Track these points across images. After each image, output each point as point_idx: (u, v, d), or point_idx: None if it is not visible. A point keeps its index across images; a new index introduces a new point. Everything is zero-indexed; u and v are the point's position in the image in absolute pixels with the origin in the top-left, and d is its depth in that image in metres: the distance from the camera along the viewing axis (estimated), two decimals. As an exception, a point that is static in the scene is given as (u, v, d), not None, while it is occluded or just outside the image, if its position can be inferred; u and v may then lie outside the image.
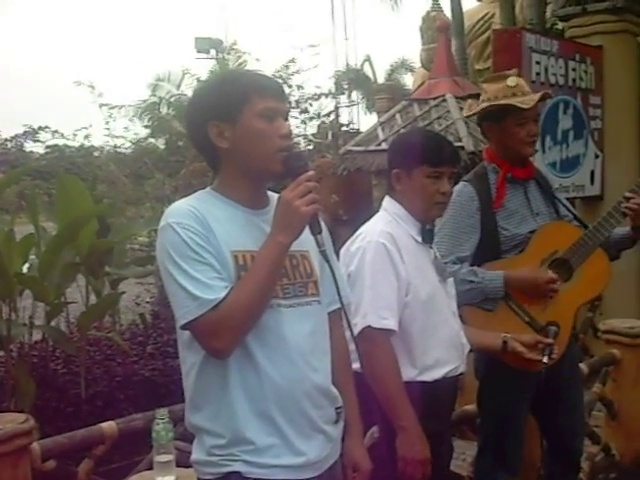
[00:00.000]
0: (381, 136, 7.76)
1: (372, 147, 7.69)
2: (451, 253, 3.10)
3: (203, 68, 14.07)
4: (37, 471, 3.34)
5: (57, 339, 5.49)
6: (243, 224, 2.05)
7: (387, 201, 2.83)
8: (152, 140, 16.72)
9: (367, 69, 26.28)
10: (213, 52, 17.01)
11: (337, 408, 2.16)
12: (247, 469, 1.97)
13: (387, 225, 2.70)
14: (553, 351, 2.93)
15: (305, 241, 2.08)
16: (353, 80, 25.21)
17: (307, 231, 2.06)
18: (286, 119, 2.11)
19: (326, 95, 10.73)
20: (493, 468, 3.27)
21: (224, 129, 2.03)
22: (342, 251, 2.73)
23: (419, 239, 2.75)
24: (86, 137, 10.69)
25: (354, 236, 2.74)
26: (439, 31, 8.32)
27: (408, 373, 2.62)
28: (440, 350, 2.68)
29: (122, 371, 5.68)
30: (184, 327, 1.94)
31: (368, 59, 25.78)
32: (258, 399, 1.97)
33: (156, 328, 6.62)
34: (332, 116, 11.87)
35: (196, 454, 2.05)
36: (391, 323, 2.57)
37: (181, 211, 2.00)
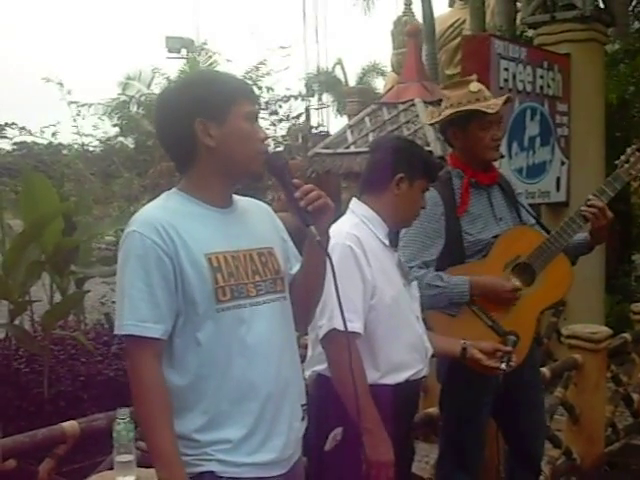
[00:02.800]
0: (350, 139, 7.79)
1: (341, 150, 7.71)
2: (417, 257, 3.12)
3: (173, 68, 13.90)
4: (-4, 470, 3.32)
5: (20, 338, 5.44)
6: (214, 225, 2.09)
7: (354, 203, 2.84)
8: (121, 139, 16.63)
9: (339, 72, 26.41)
10: (184, 52, 16.98)
11: (302, 405, 2.21)
12: (221, 468, 2.01)
13: (354, 227, 2.72)
14: (511, 359, 2.95)
15: (270, 237, 2.19)
16: (324, 83, 25.32)
17: (270, 227, 2.23)
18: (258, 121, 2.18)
19: (296, 97, 10.74)
20: (453, 471, 3.30)
21: (210, 127, 2.06)
22: None
23: (386, 242, 2.76)
24: (54, 135, 10.60)
25: None
26: (409, 36, 8.37)
27: (371, 376, 2.63)
28: (403, 353, 2.70)
29: (86, 371, 5.64)
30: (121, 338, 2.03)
31: (340, 62, 25.93)
32: (233, 397, 2.02)
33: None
34: (302, 118, 11.88)
35: None
36: (357, 326, 2.58)
37: (148, 222, 2.03)
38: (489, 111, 3.16)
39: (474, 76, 3.32)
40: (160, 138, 2.20)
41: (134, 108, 16.14)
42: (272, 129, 11.08)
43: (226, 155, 2.09)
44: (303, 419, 2.21)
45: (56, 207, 5.28)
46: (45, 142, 11.70)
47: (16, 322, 5.61)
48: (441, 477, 3.43)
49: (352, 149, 7.27)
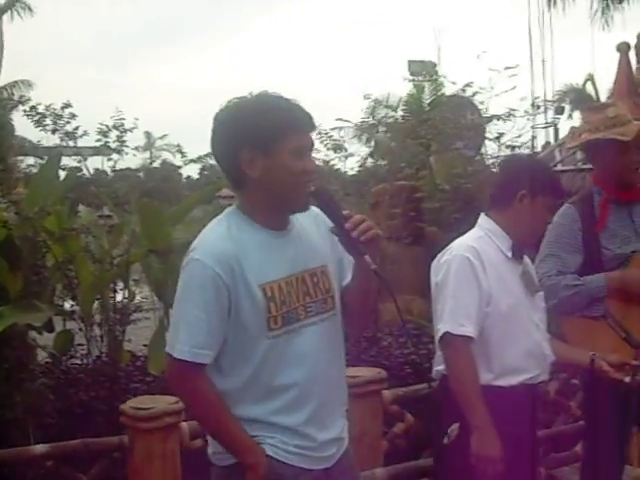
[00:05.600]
0: (557, 157, 7.79)
1: (569, 168, 7.70)
2: (555, 269, 3.27)
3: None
4: (185, 448, 3.85)
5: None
6: (271, 252, 2.22)
7: (482, 218, 3.07)
8: (371, 161, 17.05)
9: (590, 88, 25.63)
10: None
11: (346, 410, 2.44)
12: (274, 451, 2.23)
13: (475, 240, 2.95)
14: (638, 372, 3.02)
15: (324, 253, 2.34)
16: (574, 100, 24.69)
17: (325, 238, 2.33)
18: (311, 152, 2.29)
19: (521, 116, 10.67)
20: None
21: (256, 158, 2.17)
22: (434, 263, 3.01)
23: (509, 254, 2.96)
24: None
25: (445, 249, 3.01)
26: (619, 51, 8.19)
27: (485, 377, 2.85)
28: (518, 358, 2.89)
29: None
30: (170, 356, 2.19)
31: (591, 78, 25.14)
32: (278, 406, 2.23)
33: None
34: (524, 138, 11.66)
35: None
36: (469, 330, 2.81)
37: (212, 252, 2.17)
38: (623, 139, 3.24)
39: (612, 101, 3.40)
40: (214, 154, 2.31)
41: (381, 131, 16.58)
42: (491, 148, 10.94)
43: (268, 187, 2.19)
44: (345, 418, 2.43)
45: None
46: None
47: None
48: None
49: (559, 167, 7.29)
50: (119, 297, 5.96)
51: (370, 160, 15.66)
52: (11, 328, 4.98)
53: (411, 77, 17.79)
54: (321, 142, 8.62)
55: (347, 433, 2.44)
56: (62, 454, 3.94)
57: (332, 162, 8.53)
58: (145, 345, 5.65)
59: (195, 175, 37.95)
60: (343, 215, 2.22)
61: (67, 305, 5.95)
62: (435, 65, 17.73)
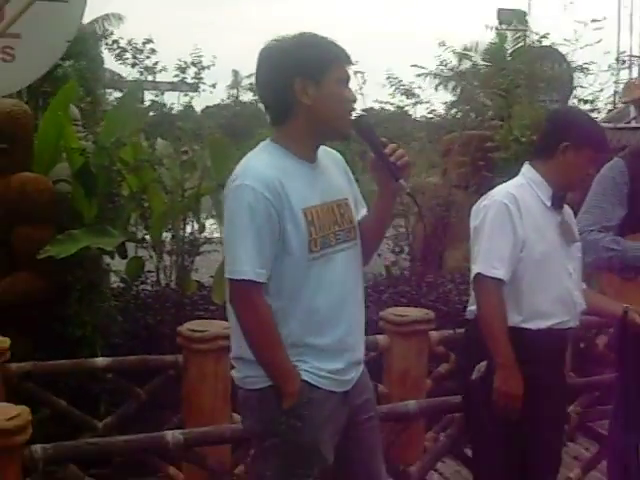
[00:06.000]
0: (632, 114, 7.67)
1: (621, 124, 7.62)
2: (597, 222, 3.32)
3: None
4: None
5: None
6: (308, 180, 2.40)
7: (525, 166, 3.15)
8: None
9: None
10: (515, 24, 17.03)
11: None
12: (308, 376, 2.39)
13: (515, 188, 3.04)
14: None
15: (345, 188, 2.52)
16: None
17: (345, 179, 2.54)
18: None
19: (605, 70, 10.41)
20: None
21: (308, 87, 2.34)
22: (474, 207, 3.11)
23: (548, 203, 3.04)
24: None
25: (486, 195, 3.10)
26: None
27: (514, 319, 2.96)
28: (547, 304, 2.98)
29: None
30: (233, 280, 2.33)
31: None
32: (314, 326, 2.39)
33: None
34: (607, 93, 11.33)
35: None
36: (500, 273, 2.92)
37: (260, 178, 2.31)
38: None
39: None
40: (260, 92, 2.48)
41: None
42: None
43: (320, 113, 2.36)
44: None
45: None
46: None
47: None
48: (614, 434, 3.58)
49: (632, 124, 7.19)
50: (189, 229, 6.19)
51: (454, 109, 15.44)
52: (84, 251, 5.28)
53: (500, 25, 17.54)
54: (392, 86, 8.60)
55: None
56: (121, 368, 4.22)
57: (405, 107, 8.51)
58: (212, 276, 5.88)
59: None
60: (381, 142, 2.42)
61: (140, 234, 6.22)
62: (525, 14, 17.42)
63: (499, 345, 2.91)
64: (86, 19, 20.05)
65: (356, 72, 9.89)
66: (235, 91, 42.23)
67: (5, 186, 5.10)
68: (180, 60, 7.11)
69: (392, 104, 8.60)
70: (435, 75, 10.62)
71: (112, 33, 16.53)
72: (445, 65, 12.45)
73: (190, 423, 3.84)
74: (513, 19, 17.45)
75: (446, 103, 10.94)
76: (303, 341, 2.39)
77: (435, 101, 10.02)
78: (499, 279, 2.92)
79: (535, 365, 2.95)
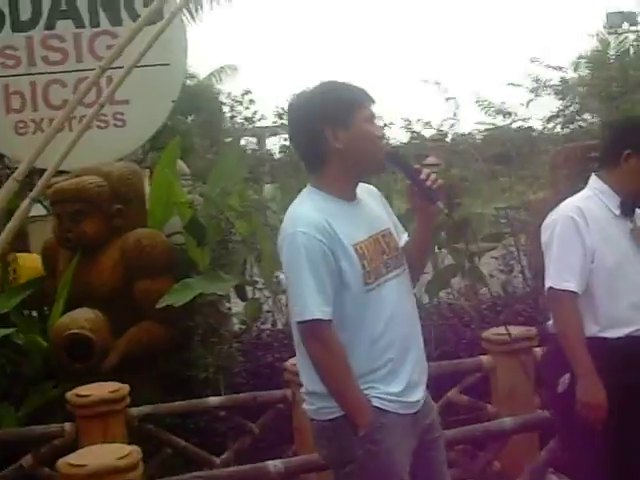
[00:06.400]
0: None
1: None
2: None
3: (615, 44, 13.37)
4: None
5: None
6: (352, 218, 2.55)
7: (592, 178, 3.21)
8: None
9: None
10: (626, 26, 16.64)
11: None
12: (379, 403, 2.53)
13: (581, 200, 3.11)
14: None
15: (385, 219, 2.68)
16: None
17: (383, 209, 2.70)
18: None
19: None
20: None
21: (338, 132, 2.50)
22: (544, 222, 3.18)
23: (617, 212, 3.08)
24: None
25: (554, 210, 3.17)
26: None
27: (591, 329, 3.01)
28: (623, 311, 3.02)
29: (470, 334, 6.33)
30: (302, 322, 2.46)
31: None
32: (376, 354, 2.54)
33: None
34: None
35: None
36: (572, 285, 2.98)
37: (310, 222, 2.46)
38: None
39: None
40: (294, 141, 2.66)
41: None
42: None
43: (354, 154, 2.52)
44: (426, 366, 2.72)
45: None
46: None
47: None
48: None
49: None
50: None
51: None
52: (203, 298, 5.60)
53: (610, 29, 17.13)
54: (483, 108, 8.69)
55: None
56: (233, 405, 4.46)
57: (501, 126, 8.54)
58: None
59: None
60: (415, 169, 2.59)
61: (255, 277, 6.51)
62: (637, 15, 16.99)
63: (577, 356, 2.97)
64: (203, 73, 21.02)
65: (448, 99, 10.01)
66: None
67: (123, 244, 5.48)
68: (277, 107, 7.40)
69: (492, 124, 8.62)
70: (532, 90, 10.50)
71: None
72: (539, 81, 12.19)
73: (301, 453, 4.01)
74: (622, 21, 17.09)
75: (543, 118, 10.77)
76: (370, 369, 2.53)
77: (534, 117, 9.97)
78: (572, 291, 2.98)
79: (618, 373, 2.98)
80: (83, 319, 5.18)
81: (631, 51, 11.50)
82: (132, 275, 5.47)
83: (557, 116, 9.91)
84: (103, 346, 5.22)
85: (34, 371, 5.39)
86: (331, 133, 2.51)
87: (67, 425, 4.14)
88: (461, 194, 6.87)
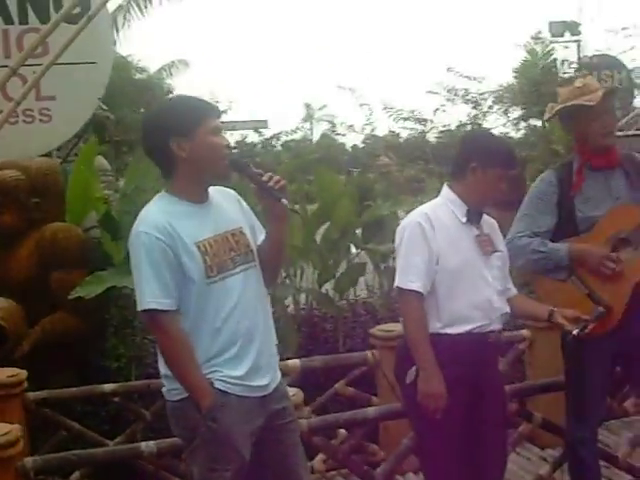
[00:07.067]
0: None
1: (631, 132, 7.74)
2: (527, 229, 3.64)
3: (560, 53, 13.77)
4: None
5: (321, 301, 6.65)
6: (198, 219, 2.77)
7: (444, 189, 3.47)
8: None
9: None
10: (567, 36, 17.11)
11: (276, 344, 2.99)
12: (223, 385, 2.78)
13: (430, 207, 3.38)
14: (587, 327, 3.34)
15: (238, 218, 2.91)
16: None
17: (238, 211, 2.93)
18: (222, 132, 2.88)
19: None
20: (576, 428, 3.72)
21: (182, 142, 2.72)
22: (398, 228, 3.46)
23: (463, 220, 3.37)
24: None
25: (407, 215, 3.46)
26: None
27: (434, 325, 3.28)
28: (465, 310, 3.28)
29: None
30: (144, 310, 2.69)
31: None
32: (222, 341, 2.78)
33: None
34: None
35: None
36: (417, 285, 3.25)
37: (152, 223, 2.69)
38: (589, 104, 3.54)
39: (582, 73, 3.69)
40: (147, 151, 2.86)
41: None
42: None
43: (197, 163, 2.74)
44: (276, 354, 2.99)
45: (339, 192, 6.40)
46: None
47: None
48: (569, 436, 3.83)
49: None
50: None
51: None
52: (118, 291, 5.83)
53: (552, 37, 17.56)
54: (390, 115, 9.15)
55: (278, 367, 3.01)
56: (126, 391, 4.72)
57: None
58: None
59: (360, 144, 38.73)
60: (258, 172, 2.84)
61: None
62: (578, 25, 17.48)
63: (419, 350, 3.24)
64: (154, 67, 21.15)
65: (362, 104, 10.34)
66: (308, 124, 43.05)
67: (40, 236, 5.70)
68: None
69: (411, 129, 8.99)
70: (448, 99, 10.90)
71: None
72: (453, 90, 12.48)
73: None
74: (564, 30, 17.56)
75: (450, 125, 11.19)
76: (213, 354, 2.78)
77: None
78: (416, 291, 3.25)
79: (459, 366, 3.25)
80: (-4, 307, 5.37)
81: (558, 61, 11.90)
82: (47, 266, 5.68)
83: (466, 124, 10.32)
84: (16, 334, 5.43)
85: (-54, 357, 5.58)
86: (176, 144, 2.74)
87: (-35, 407, 4.35)
88: (374, 196, 7.19)
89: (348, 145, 34.27)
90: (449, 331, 3.29)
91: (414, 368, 3.31)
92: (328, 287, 6.87)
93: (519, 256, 3.60)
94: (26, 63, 5.57)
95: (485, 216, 3.48)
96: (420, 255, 3.27)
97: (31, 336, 5.53)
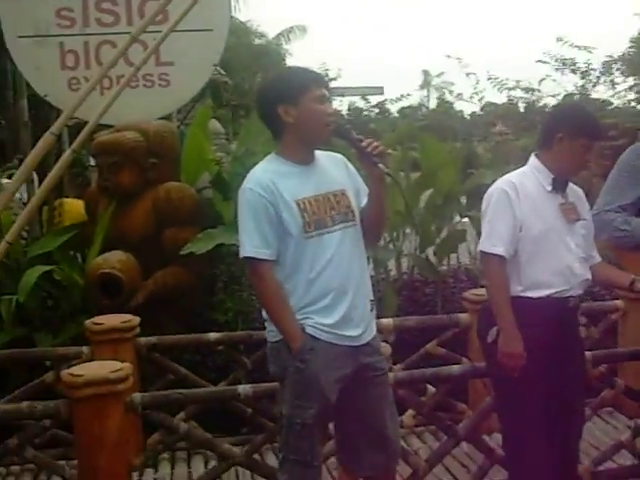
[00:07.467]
0: None
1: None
2: (614, 202, 3.73)
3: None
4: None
5: (423, 266, 6.82)
6: (301, 178, 3.06)
7: (531, 158, 3.59)
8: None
9: None
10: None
11: (371, 300, 3.21)
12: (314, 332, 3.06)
13: (517, 176, 3.51)
14: None
15: (342, 181, 3.16)
16: None
17: (344, 174, 3.17)
18: (330, 102, 3.13)
19: None
20: None
21: (289, 109, 3.02)
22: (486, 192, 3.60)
23: (549, 188, 3.48)
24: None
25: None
26: None
27: (516, 289, 3.43)
28: (545, 275, 3.42)
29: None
30: (245, 258, 3.03)
31: None
32: (315, 293, 3.05)
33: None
34: None
35: None
36: (500, 249, 3.39)
37: (257, 181, 3.02)
38: None
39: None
40: (260, 116, 3.20)
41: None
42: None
43: (302, 127, 3.03)
44: (372, 310, 3.21)
45: (443, 160, 6.53)
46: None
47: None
48: None
49: None
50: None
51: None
52: (227, 248, 6.15)
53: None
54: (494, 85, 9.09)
55: (374, 323, 3.24)
56: (231, 341, 5.04)
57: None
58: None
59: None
60: (358, 138, 3.07)
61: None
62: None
63: (500, 311, 3.40)
64: (272, 33, 21.56)
65: (468, 74, 10.28)
66: (425, 91, 42.81)
67: (155, 195, 6.06)
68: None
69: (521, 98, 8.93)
70: (557, 68, 10.59)
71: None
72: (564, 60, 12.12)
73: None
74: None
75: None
76: (306, 302, 3.05)
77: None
78: (499, 255, 3.40)
79: (538, 328, 3.39)
80: (115, 260, 5.78)
81: None
82: (161, 223, 6.05)
83: (574, 94, 10.13)
84: (132, 286, 5.82)
85: (71, 305, 6.05)
86: (283, 110, 3.02)
87: (85, 348, 4.77)
88: (478, 164, 7.26)
89: (466, 113, 33.96)
90: (530, 294, 3.42)
91: (495, 328, 3.47)
92: (429, 252, 7.00)
93: (602, 231, 3.69)
94: (147, 30, 5.94)
95: (572, 185, 3.58)
96: (504, 221, 3.41)
97: (145, 288, 5.88)
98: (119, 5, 6.97)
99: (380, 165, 3.05)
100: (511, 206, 3.42)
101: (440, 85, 39.83)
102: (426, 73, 42.76)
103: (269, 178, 3.02)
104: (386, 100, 28.99)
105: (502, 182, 3.51)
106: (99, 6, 6.94)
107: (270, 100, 3.08)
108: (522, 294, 3.43)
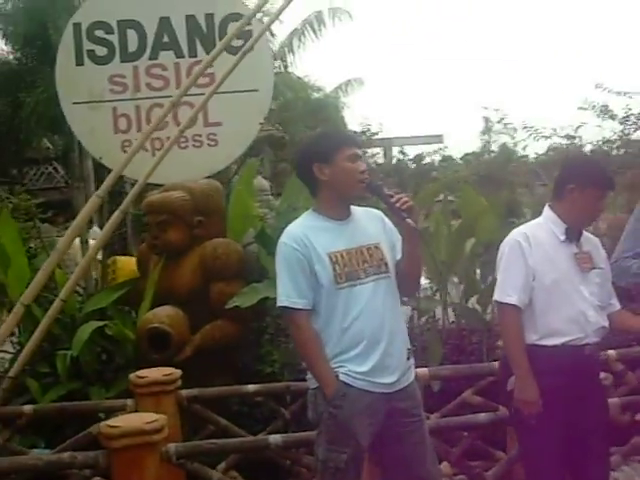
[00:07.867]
0: None
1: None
2: (631, 249, 3.80)
3: None
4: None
5: (468, 316, 6.88)
6: (335, 233, 3.26)
7: (545, 209, 3.70)
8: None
9: None
10: None
11: (408, 349, 3.32)
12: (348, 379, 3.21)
13: (530, 227, 3.62)
14: None
15: (377, 235, 3.33)
16: None
17: (380, 229, 3.33)
18: (362, 160, 3.31)
19: None
20: None
21: (323, 168, 3.25)
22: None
23: (562, 238, 3.57)
24: None
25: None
26: None
27: (531, 337, 3.52)
28: (560, 323, 3.50)
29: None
30: (280, 306, 3.25)
31: None
32: (347, 342, 3.20)
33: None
34: None
35: None
36: (513, 299, 3.49)
37: (291, 235, 3.26)
38: None
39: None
40: (297, 174, 3.46)
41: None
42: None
43: (336, 185, 3.25)
44: (409, 358, 3.33)
45: (482, 208, 6.61)
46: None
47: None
48: None
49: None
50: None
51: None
52: (272, 301, 6.31)
53: None
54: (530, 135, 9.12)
55: (412, 370, 3.37)
56: (268, 392, 5.18)
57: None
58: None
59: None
60: (389, 194, 3.24)
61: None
62: None
63: (516, 360, 3.49)
64: (330, 86, 21.94)
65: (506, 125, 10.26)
66: (487, 137, 42.60)
67: (202, 251, 6.28)
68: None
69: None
70: (598, 115, 10.52)
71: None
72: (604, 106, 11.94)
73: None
74: None
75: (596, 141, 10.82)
76: (340, 350, 3.22)
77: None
78: (513, 305, 3.49)
79: (554, 376, 3.46)
80: (164, 315, 5.99)
81: None
82: (208, 278, 6.24)
83: (613, 141, 10.06)
84: (180, 339, 6.01)
85: (124, 359, 6.26)
86: (318, 169, 3.27)
87: (129, 401, 4.96)
88: (519, 213, 7.32)
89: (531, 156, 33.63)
90: (545, 343, 3.51)
91: (514, 377, 3.54)
92: (473, 301, 7.06)
93: (621, 277, 3.78)
94: (196, 93, 6.24)
95: (587, 234, 3.67)
96: (517, 271, 3.52)
97: (193, 342, 6.07)
98: (168, 70, 7.29)
99: (408, 220, 3.20)
100: (523, 256, 3.53)
101: (501, 131, 39.59)
102: (486, 119, 42.58)
103: (303, 232, 3.24)
104: (446, 147, 29.10)
105: (515, 233, 3.62)
106: (149, 71, 7.27)
107: (306, 159, 3.33)
108: (537, 342, 3.51)
